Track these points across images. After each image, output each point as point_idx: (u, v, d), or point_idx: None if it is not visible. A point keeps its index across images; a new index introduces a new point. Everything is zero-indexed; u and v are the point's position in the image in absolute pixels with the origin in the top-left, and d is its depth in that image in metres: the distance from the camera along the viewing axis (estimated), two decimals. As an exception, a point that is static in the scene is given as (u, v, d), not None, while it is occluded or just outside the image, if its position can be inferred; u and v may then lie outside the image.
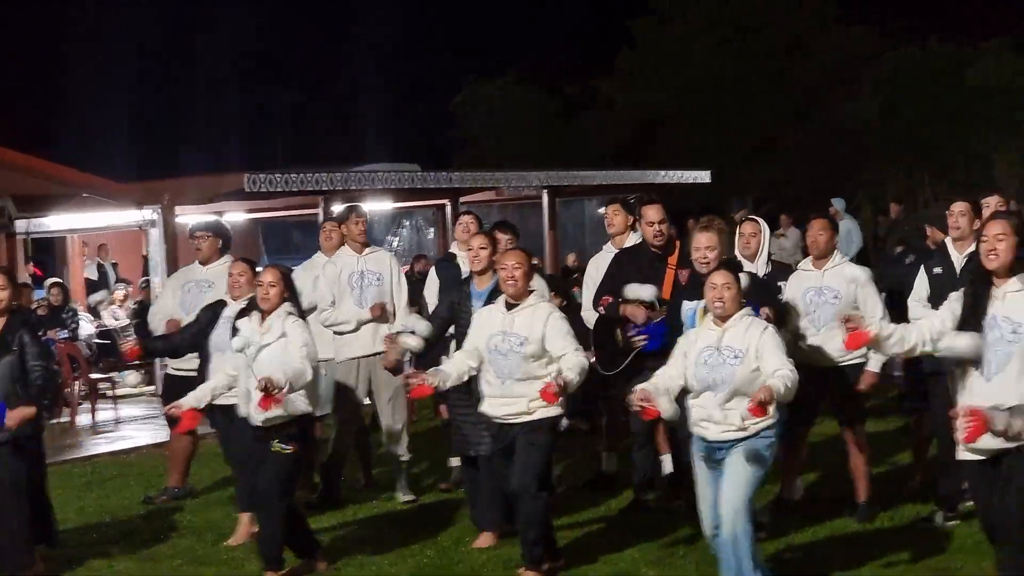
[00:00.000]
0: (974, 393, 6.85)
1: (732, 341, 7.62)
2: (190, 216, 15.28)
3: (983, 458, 6.87)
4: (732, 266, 8.20)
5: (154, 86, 46.50)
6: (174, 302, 10.70)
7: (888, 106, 35.25)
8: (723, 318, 7.65)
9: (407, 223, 22.38)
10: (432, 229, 21.64)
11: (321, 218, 16.47)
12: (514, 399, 8.23)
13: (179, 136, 43.96)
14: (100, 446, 13.75)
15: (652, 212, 9.80)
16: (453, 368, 8.38)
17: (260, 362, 8.27)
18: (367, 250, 10.86)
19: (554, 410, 8.21)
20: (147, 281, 17.21)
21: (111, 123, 39.73)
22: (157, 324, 10.74)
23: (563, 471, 11.01)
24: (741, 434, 7.58)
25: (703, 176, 22.60)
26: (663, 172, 22.24)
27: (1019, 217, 7.06)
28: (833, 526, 9.22)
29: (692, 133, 35.48)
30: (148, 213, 15.76)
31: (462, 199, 19.56)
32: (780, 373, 7.37)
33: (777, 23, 36.90)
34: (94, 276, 20.96)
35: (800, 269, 9.74)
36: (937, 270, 9.09)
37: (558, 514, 9.14)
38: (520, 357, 8.20)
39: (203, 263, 10.72)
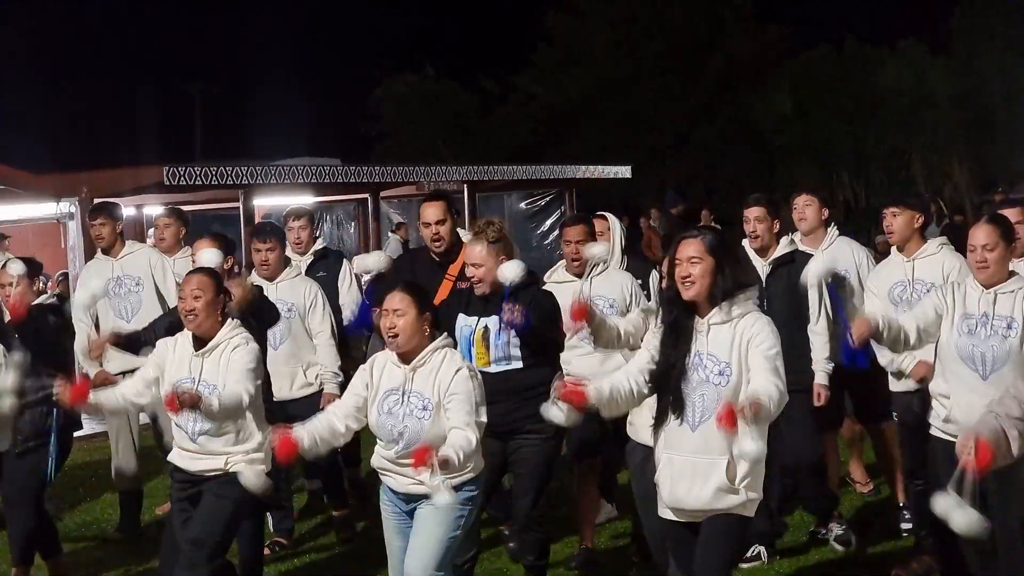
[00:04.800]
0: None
1: (422, 388, 6.55)
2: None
3: None
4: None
5: (73, 78, 46.07)
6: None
7: (802, 104, 35.63)
8: (404, 359, 6.59)
9: (328, 218, 22.31)
10: (353, 224, 21.57)
11: (241, 212, 16.43)
12: None
13: (97, 129, 43.57)
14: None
15: (431, 211, 8.67)
16: None
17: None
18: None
19: None
20: (65, 274, 17.04)
21: (27, 115, 39.30)
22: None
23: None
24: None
25: (624, 171, 22.67)
26: (583, 167, 22.31)
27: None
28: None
29: (608, 128, 35.67)
30: (66, 206, 15.61)
31: (383, 194, 19.53)
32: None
33: (694, 20, 37.17)
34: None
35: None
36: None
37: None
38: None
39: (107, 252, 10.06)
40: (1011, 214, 8.10)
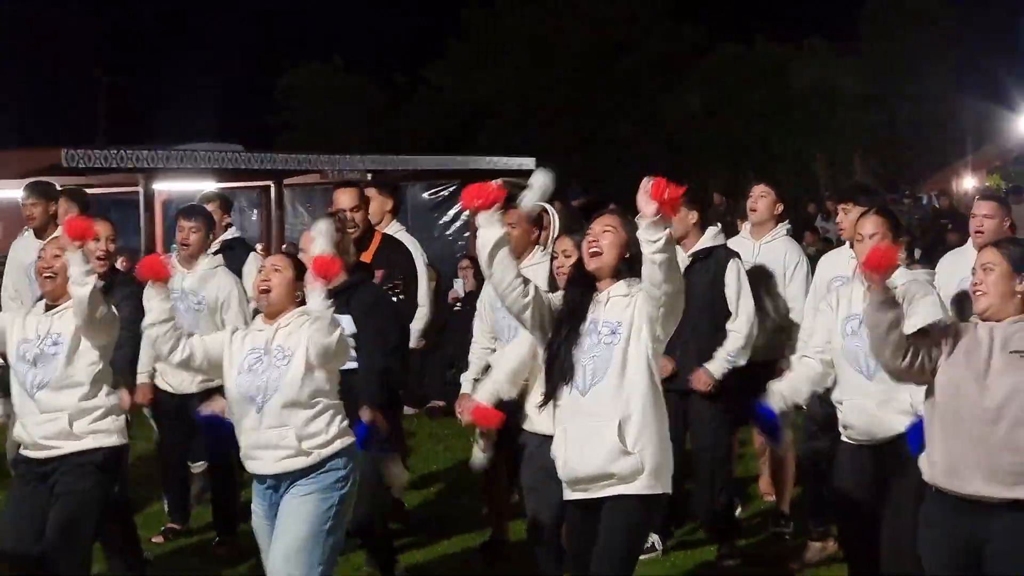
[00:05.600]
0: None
1: (284, 342, 6.43)
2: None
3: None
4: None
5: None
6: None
7: (711, 102, 35.90)
8: (271, 315, 6.51)
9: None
10: (256, 211, 21.44)
11: (142, 197, 16.29)
12: None
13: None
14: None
15: (345, 197, 8.64)
16: None
17: None
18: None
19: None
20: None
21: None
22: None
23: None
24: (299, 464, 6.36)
25: (527, 163, 22.71)
26: (487, 158, 22.34)
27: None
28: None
29: (518, 124, 35.76)
30: (-39, 187, 15.42)
31: (286, 181, 19.44)
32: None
33: (607, 17, 37.31)
34: None
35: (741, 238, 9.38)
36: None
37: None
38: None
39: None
40: (983, 206, 8.20)
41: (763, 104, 35.38)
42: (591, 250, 6.16)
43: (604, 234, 6.16)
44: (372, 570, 8.40)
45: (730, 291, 8.59)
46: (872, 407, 6.75)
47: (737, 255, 8.84)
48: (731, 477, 9.22)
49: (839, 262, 8.50)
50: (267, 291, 6.49)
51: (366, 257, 8.49)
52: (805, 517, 8.97)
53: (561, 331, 6.21)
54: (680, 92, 36.35)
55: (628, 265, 6.14)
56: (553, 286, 7.25)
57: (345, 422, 6.59)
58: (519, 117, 36.35)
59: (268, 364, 6.37)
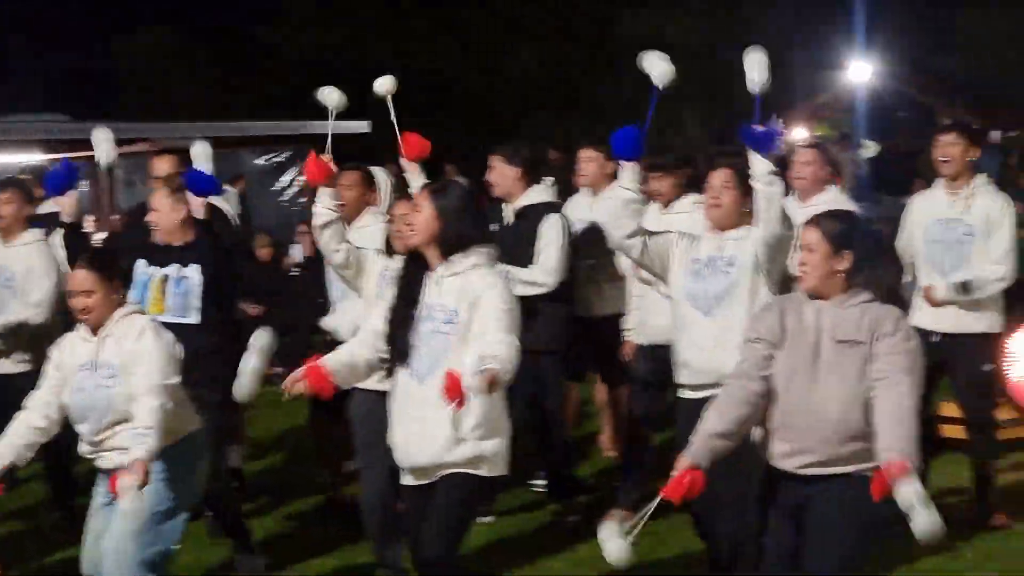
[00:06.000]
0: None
1: (109, 357, 6.38)
2: None
3: None
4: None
5: None
6: None
7: (546, 56, 35.97)
8: (94, 329, 6.46)
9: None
10: (87, 182, 21.06)
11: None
12: None
13: None
14: None
15: (164, 164, 8.77)
16: None
17: None
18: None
19: None
20: None
21: None
22: None
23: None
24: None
25: (362, 126, 22.56)
26: (321, 122, 22.13)
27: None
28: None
29: (356, 84, 35.56)
30: None
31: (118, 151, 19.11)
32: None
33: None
34: None
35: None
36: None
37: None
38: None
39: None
40: (805, 154, 8.37)
41: (593, 56, 35.52)
42: (407, 230, 6.28)
43: (415, 213, 6.19)
44: (222, 539, 8.38)
45: (540, 242, 8.62)
46: (709, 344, 6.96)
47: (557, 209, 8.88)
48: (568, 433, 9.33)
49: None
50: (87, 313, 6.40)
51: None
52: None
53: (397, 311, 6.21)
54: (516, 45, 36.34)
55: (446, 241, 6.13)
56: (389, 249, 7.29)
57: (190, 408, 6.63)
58: (355, 79, 36.11)
59: (96, 383, 6.32)
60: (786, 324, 5.88)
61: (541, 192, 8.94)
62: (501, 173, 8.84)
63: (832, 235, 5.82)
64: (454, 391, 5.60)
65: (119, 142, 18.61)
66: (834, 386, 5.74)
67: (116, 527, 6.34)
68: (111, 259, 6.66)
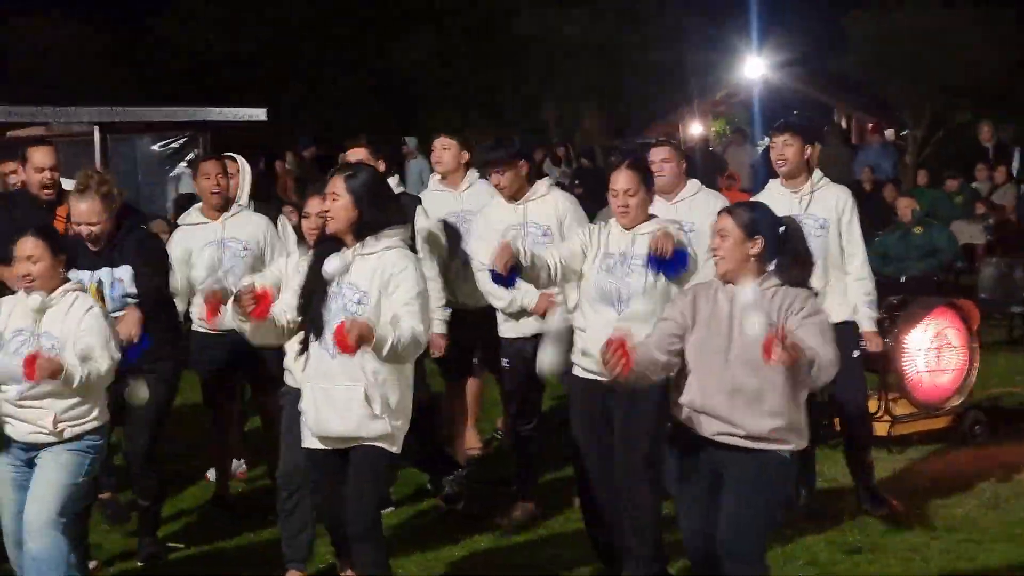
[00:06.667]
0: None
1: (50, 328, 6.59)
2: None
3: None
4: None
5: None
6: None
7: (444, 50, 35.94)
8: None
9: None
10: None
11: None
12: None
13: None
14: None
15: (40, 155, 8.48)
16: None
17: None
18: None
19: None
20: None
21: None
22: None
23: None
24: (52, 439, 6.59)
25: (259, 114, 22.47)
26: (217, 109, 22.02)
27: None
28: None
29: (245, 73, 35.32)
30: None
31: (9, 134, 18.85)
32: None
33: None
34: None
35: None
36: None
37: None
38: None
39: None
40: (659, 152, 8.45)
41: (490, 51, 35.55)
42: (327, 216, 6.44)
43: (332, 199, 6.38)
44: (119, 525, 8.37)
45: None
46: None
47: (419, 201, 9.09)
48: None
49: (505, 215, 8.71)
50: (32, 281, 6.51)
51: (62, 210, 8.34)
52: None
53: (310, 285, 6.42)
54: (412, 39, 36.25)
55: (359, 224, 6.36)
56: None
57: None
58: (247, 68, 35.84)
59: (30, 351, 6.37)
60: (699, 308, 6.13)
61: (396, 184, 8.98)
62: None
63: (744, 222, 6.10)
64: (341, 342, 5.90)
65: (10, 125, 18.55)
66: (749, 366, 5.97)
67: (39, 491, 6.50)
68: (56, 234, 6.84)
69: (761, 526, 6.15)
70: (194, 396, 9.64)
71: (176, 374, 8.35)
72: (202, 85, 35.53)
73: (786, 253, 6.20)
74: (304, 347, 6.48)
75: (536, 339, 7.59)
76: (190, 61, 36.92)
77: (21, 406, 6.48)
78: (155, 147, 21.91)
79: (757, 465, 6.08)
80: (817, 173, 8.64)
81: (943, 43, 27.93)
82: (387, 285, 6.28)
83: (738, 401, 6.04)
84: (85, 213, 7.54)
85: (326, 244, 6.47)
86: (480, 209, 9.13)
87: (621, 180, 7.25)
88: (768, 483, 6.11)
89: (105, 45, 39.02)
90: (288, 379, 7.50)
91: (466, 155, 9.52)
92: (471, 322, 9.22)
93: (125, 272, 7.70)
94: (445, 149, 9.49)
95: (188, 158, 20.56)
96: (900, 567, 7.88)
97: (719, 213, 6.30)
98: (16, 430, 6.60)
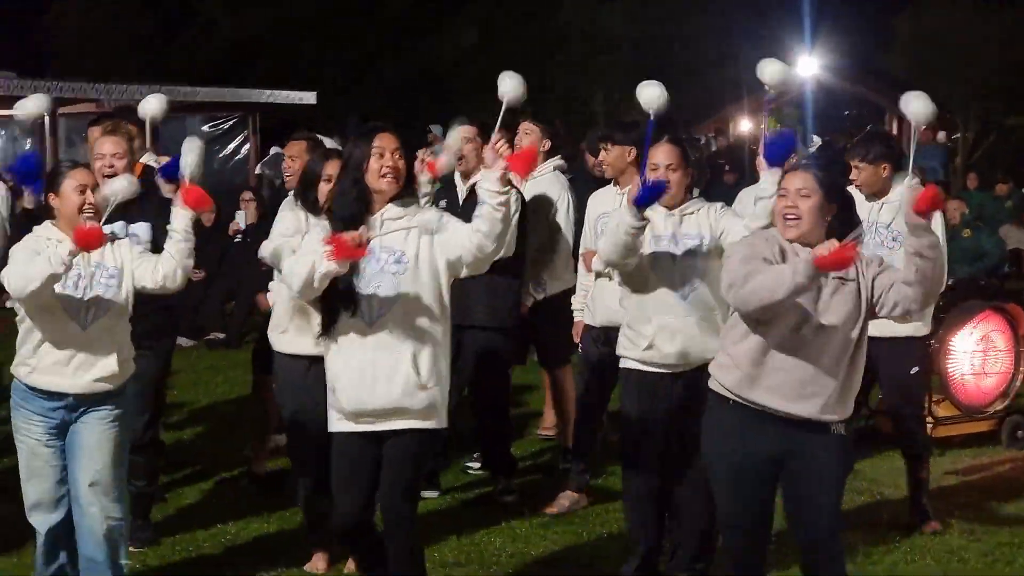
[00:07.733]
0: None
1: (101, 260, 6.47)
2: None
3: None
4: None
5: None
6: None
7: (486, 40, 35.97)
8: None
9: (2, 133, 21.54)
10: (29, 140, 20.91)
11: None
12: None
13: None
14: None
15: (108, 145, 7.92)
16: None
17: None
18: None
19: None
20: None
21: None
22: None
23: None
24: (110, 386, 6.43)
25: (308, 97, 22.57)
26: (268, 92, 22.10)
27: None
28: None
29: (292, 56, 35.41)
30: None
31: (61, 110, 18.98)
32: None
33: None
34: None
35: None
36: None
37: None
38: None
39: None
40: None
41: (534, 41, 35.53)
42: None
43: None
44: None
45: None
46: (692, 327, 6.88)
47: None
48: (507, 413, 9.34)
49: (605, 200, 8.57)
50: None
51: None
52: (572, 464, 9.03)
53: None
54: (456, 29, 36.28)
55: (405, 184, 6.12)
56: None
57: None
58: (293, 51, 35.89)
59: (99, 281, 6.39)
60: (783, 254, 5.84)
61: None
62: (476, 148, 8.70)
63: (826, 184, 5.81)
64: (340, 248, 5.74)
65: (62, 101, 18.66)
66: (839, 320, 5.78)
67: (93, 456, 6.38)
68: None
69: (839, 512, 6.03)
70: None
71: (170, 351, 8.46)
72: (250, 69, 35.68)
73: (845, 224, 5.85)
74: (328, 326, 6.09)
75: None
76: (235, 45, 37.00)
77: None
78: (205, 127, 22.00)
79: (829, 447, 5.87)
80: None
81: (994, 45, 27.74)
82: (428, 242, 5.99)
83: (820, 372, 5.77)
84: (109, 147, 7.58)
85: (354, 211, 6.06)
86: (537, 199, 9.18)
87: (661, 155, 7.01)
88: (840, 463, 5.92)
89: (154, 26, 39.17)
90: (279, 344, 7.38)
91: (547, 143, 9.44)
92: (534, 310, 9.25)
93: (141, 228, 7.61)
94: (527, 134, 9.42)
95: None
96: (938, 568, 7.84)
97: (794, 171, 5.91)
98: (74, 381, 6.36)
